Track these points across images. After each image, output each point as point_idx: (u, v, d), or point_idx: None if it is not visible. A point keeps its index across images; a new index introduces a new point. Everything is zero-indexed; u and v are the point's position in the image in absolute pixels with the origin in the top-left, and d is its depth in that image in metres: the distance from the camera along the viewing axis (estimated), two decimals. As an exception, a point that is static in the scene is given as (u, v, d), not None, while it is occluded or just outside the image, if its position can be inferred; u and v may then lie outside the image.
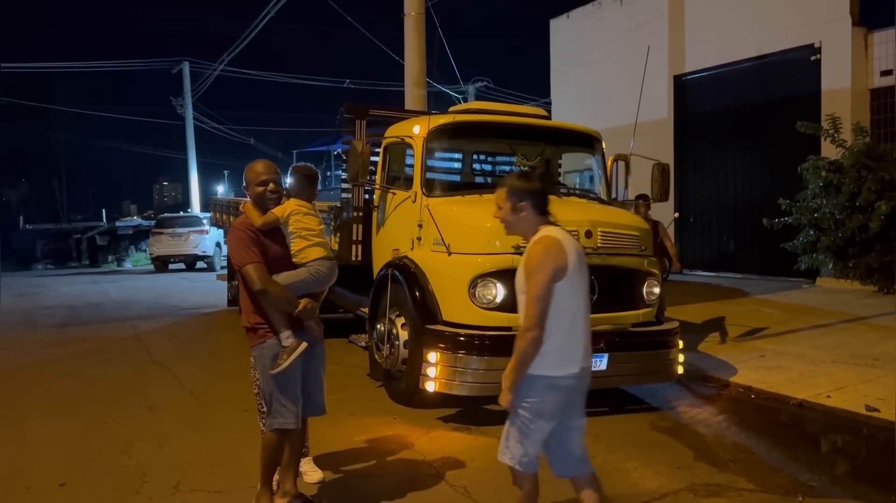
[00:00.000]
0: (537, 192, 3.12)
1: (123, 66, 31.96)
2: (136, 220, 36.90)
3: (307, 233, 3.74)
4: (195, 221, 22.97)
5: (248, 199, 3.81)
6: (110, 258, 29.11)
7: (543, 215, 3.12)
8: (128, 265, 27.56)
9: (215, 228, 18.49)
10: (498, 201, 3.14)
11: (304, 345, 3.59)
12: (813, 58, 13.23)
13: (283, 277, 3.64)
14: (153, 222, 26.62)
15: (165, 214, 26.72)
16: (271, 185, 3.70)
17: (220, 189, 39.14)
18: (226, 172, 44.26)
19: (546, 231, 3.07)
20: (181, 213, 28.07)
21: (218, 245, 21.41)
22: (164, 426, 5.58)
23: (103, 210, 35.80)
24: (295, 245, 3.73)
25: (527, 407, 3.04)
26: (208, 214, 18.82)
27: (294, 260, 3.74)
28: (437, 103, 20.07)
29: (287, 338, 3.58)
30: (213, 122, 34.11)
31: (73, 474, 4.55)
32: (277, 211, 3.71)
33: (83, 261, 30.01)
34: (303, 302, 3.63)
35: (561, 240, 3.03)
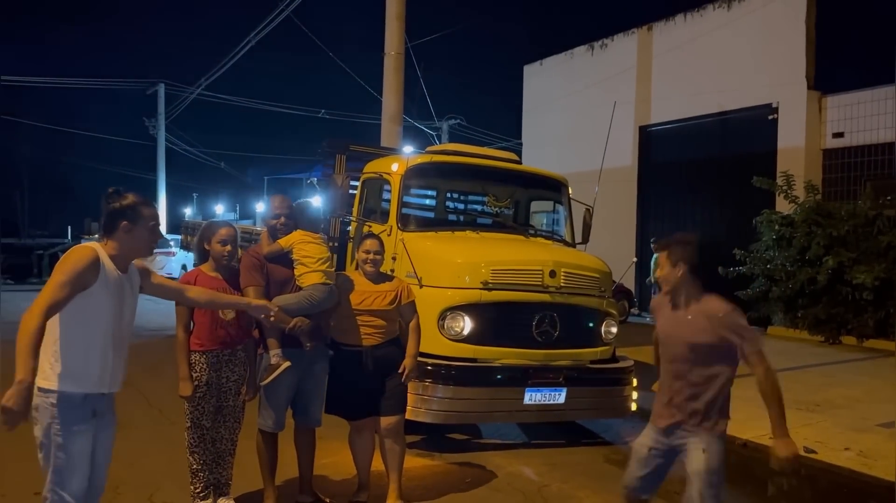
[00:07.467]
0: None
1: (96, 84, 31.86)
2: (102, 237, 36.19)
3: (307, 260, 4.13)
4: (163, 243, 22.87)
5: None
6: (72, 276, 28.67)
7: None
8: (90, 284, 27.18)
9: (184, 251, 18.47)
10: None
11: (286, 364, 3.96)
12: (770, 117, 13.96)
13: (280, 299, 4.00)
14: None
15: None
16: (281, 219, 4.23)
17: (188, 211, 38.86)
18: (195, 195, 43.93)
19: None
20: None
21: (184, 267, 21.30)
22: (134, 443, 5.70)
23: (69, 227, 35.19)
24: (297, 271, 4.13)
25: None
26: (177, 237, 18.73)
27: (297, 283, 4.13)
28: (413, 138, 20.52)
29: (274, 356, 3.97)
30: (185, 144, 34.12)
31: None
32: (283, 241, 4.16)
33: (43, 277, 29.55)
34: (293, 321, 3.95)
35: None
